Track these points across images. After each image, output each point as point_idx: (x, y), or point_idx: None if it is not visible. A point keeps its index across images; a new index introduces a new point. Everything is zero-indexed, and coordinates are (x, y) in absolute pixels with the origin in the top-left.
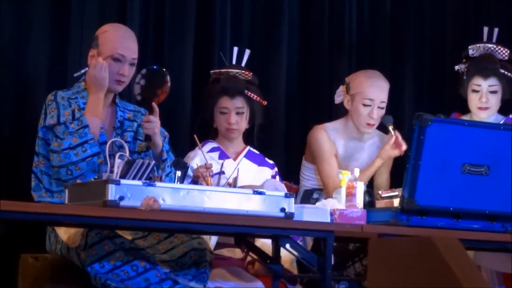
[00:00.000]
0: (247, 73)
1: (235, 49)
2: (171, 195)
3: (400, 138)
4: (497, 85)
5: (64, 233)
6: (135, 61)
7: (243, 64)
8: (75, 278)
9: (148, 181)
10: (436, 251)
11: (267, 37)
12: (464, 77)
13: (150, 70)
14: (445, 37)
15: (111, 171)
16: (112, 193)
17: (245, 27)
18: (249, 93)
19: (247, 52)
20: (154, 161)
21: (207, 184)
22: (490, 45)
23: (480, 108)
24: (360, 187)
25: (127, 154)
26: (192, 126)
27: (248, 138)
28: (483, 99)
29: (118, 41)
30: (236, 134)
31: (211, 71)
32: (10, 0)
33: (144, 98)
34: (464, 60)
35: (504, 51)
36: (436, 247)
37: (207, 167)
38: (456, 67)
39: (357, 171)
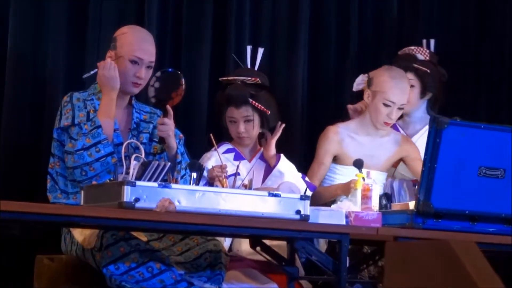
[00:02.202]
0: (253, 79)
1: (249, 48)
2: (187, 197)
3: None
4: (413, 79)
5: (79, 234)
6: (153, 64)
7: (257, 64)
8: (91, 279)
9: (163, 183)
10: (453, 255)
11: (285, 38)
12: None
13: (165, 73)
14: (447, 40)
15: (127, 173)
16: (127, 194)
17: (264, 28)
18: (254, 102)
19: (261, 51)
20: (169, 163)
21: (223, 186)
22: (413, 47)
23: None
24: (376, 190)
25: (143, 155)
26: (208, 127)
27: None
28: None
29: (136, 44)
30: (248, 141)
31: (220, 79)
32: (26, 3)
33: (158, 100)
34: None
35: (425, 52)
36: (454, 251)
37: (222, 167)
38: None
39: (373, 174)
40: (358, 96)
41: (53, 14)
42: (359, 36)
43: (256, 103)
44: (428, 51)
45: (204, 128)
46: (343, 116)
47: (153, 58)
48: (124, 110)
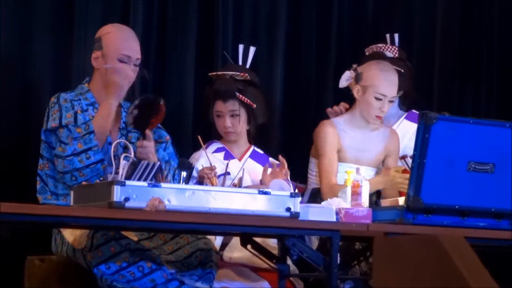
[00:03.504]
0: (242, 74)
1: (241, 47)
2: (177, 196)
3: None
4: None
5: (70, 234)
6: (139, 61)
7: (248, 62)
8: (81, 279)
9: (153, 182)
10: (442, 249)
11: (268, 36)
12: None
13: (144, 101)
14: (434, 38)
15: (116, 172)
16: (117, 194)
17: (246, 26)
18: (241, 96)
19: (252, 50)
20: (159, 162)
21: (212, 185)
22: (380, 45)
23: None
24: (366, 186)
25: (132, 155)
26: (194, 127)
27: (254, 138)
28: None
29: (122, 42)
30: (234, 137)
31: (209, 74)
32: (12, 4)
33: (137, 126)
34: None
35: (393, 49)
36: (442, 245)
37: (212, 168)
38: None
39: (367, 173)
40: (337, 92)
41: (38, 16)
42: (338, 33)
43: (243, 97)
44: (396, 47)
45: (190, 126)
46: (324, 116)
47: (139, 55)
48: None
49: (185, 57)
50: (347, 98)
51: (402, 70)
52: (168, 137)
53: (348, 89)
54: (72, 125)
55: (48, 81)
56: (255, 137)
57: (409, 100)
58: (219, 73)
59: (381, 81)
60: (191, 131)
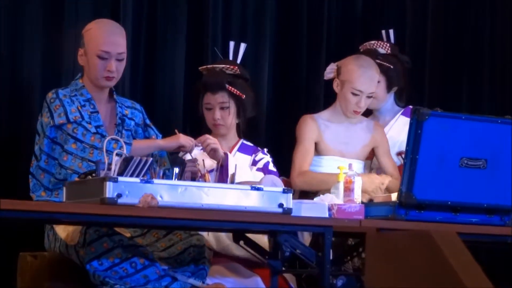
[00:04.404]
0: (232, 67)
1: (231, 43)
2: (169, 192)
3: None
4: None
5: (62, 231)
6: (122, 55)
7: (239, 58)
8: (74, 276)
9: (146, 178)
10: (434, 245)
11: (257, 31)
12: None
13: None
14: (425, 37)
15: (109, 169)
16: (110, 190)
17: (236, 22)
18: (230, 87)
19: (243, 46)
20: (152, 158)
21: (205, 181)
22: (373, 42)
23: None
24: (358, 182)
25: (125, 151)
26: (184, 122)
27: (243, 132)
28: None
29: (102, 38)
30: (224, 130)
31: (200, 68)
32: (1, 2)
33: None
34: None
35: (385, 45)
36: (434, 241)
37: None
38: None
39: (354, 166)
40: (327, 87)
41: (28, 15)
42: (328, 27)
43: (233, 89)
44: (387, 43)
45: (180, 122)
46: (313, 111)
47: (121, 50)
48: (107, 104)
49: (175, 53)
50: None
51: (392, 67)
52: (154, 136)
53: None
54: (80, 121)
55: (38, 81)
56: (244, 131)
57: (405, 96)
58: (209, 66)
59: (358, 77)
60: (181, 127)
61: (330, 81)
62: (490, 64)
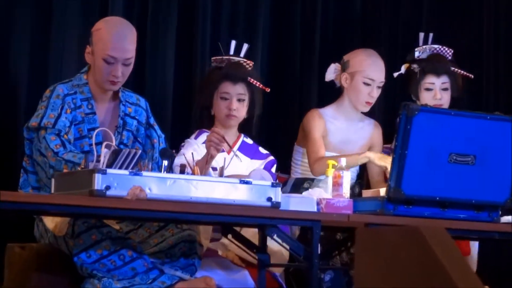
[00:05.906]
0: (249, 62)
1: (233, 42)
2: (158, 184)
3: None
4: (447, 82)
5: (50, 222)
6: (129, 61)
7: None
8: (62, 267)
9: (134, 170)
10: (423, 240)
11: (250, 29)
12: (417, 77)
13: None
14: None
15: (98, 161)
16: (98, 182)
17: (225, 21)
18: (252, 79)
19: (245, 46)
20: (140, 150)
21: (194, 174)
22: (435, 46)
23: (435, 106)
24: (347, 177)
25: (114, 143)
26: (174, 120)
27: (244, 128)
28: (437, 96)
29: (110, 42)
30: (235, 122)
31: (212, 58)
32: None
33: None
34: (407, 64)
35: (448, 51)
36: (423, 236)
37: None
38: (403, 68)
39: (343, 161)
40: (321, 84)
41: (16, 15)
42: (322, 24)
43: (254, 81)
44: (451, 50)
45: (169, 120)
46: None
47: (129, 55)
48: (109, 104)
49: (165, 52)
50: (331, 90)
51: (472, 76)
52: (156, 139)
53: (332, 81)
54: (50, 132)
55: (25, 81)
56: (244, 126)
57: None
58: (224, 57)
59: (369, 66)
60: (170, 124)
61: (324, 78)
62: (494, 62)
